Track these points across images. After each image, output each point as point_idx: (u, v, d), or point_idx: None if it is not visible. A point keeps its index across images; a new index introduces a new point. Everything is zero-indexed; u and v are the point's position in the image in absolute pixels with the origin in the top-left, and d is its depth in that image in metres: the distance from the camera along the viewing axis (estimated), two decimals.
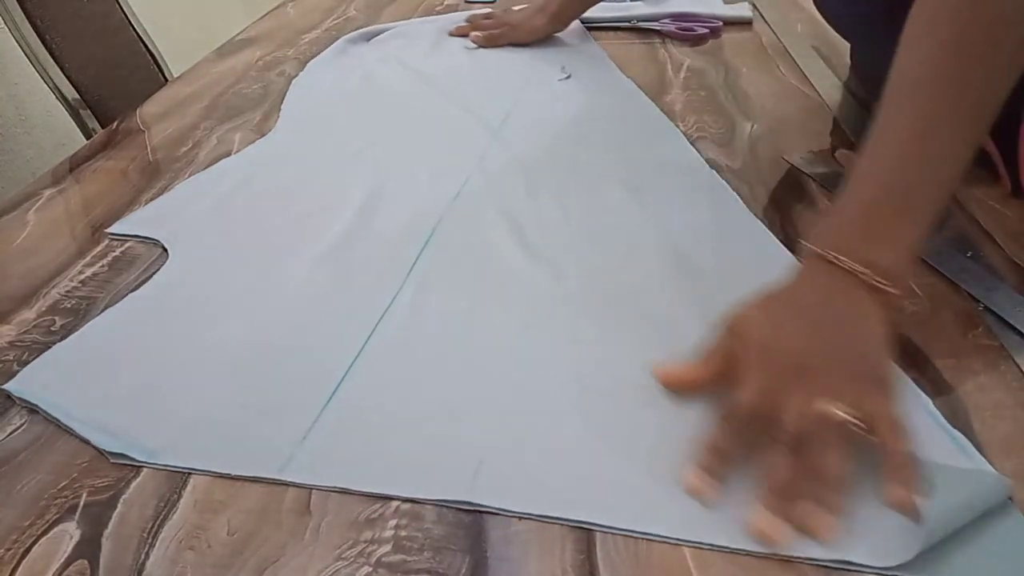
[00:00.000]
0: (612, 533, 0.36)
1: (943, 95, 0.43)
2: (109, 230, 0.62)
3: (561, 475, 0.39)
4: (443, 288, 0.53)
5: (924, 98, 0.43)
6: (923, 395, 0.42)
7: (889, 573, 0.34)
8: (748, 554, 0.35)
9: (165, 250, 0.58)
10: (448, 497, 0.38)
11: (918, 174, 0.43)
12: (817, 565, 0.34)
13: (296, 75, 0.91)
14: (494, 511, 0.37)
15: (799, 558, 0.34)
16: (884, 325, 0.41)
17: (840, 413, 0.37)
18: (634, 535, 0.36)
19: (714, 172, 0.65)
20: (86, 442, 0.42)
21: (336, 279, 0.54)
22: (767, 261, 0.52)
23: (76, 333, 0.50)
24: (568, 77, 0.88)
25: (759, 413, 0.38)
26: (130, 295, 0.53)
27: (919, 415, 0.41)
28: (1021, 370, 0.43)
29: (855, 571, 0.34)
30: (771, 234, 0.56)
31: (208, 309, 0.52)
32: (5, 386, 0.46)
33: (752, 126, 0.74)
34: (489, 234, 0.59)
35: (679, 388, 0.43)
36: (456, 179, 0.66)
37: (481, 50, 0.96)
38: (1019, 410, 0.41)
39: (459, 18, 1.04)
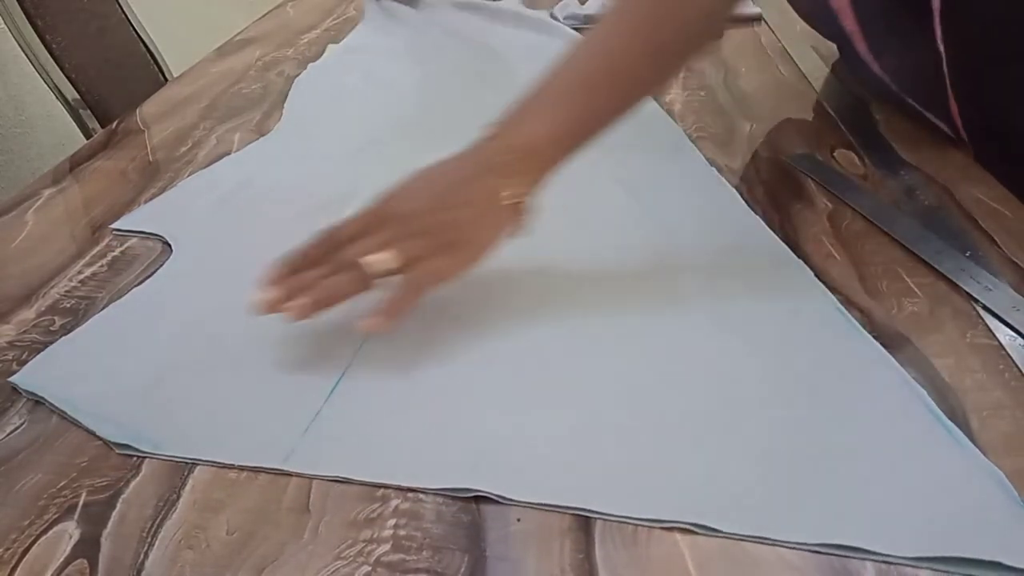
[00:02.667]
0: (608, 519, 0.36)
1: (634, 35, 0.49)
2: (114, 226, 0.62)
3: (558, 463, 0.39)
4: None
5: (617, 33, 0.50)
6: (920, 389, 0.42)
7: (890, 559, 0.34)
8: (742, 538, 0.35)
9: (168, 246, 0.59)
10: (448, 485, 0.38)
11: (597, 72, 0.49)
12: (817, 566, 0.34)
13: (297, 75, 0.91)
14: (493, 497, 0.38)
15: (791, 543, 0.35)
16: (495, 207, 0.46)
17: (370, 260, 0.45)
18: (630, 521, 0.36)
19: (713, 169, 0.66)
20: (92, 434, 0.42)
21: None
22: (762, 254, 0.54)
23: (81, 327, 0.50)
24: None
25: (337, 239, 0.46)
26: (133, 290, 0.54)
27: (916, 409, 0.41)
28: (1020, 370, 0.43)
29: (854, 559, 0.34)
30: (765, 226, 0.57)
31: (211, 303, 0.52)
32: (12, 379, 0.46)
33: (752, 126, 0.74)
34: None
35: (316, 245, 0.48)
36: None
37: (482, 46, 0.96)
38: (1018, 410, 0.41)
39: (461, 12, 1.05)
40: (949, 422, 0.40)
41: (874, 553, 0.34)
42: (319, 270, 0.46)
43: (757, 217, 0.58)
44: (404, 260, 0.45)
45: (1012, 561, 0.32)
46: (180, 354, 0.48)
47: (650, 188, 0.64)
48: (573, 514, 0.37)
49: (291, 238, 0.58)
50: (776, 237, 0.56)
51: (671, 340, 0.46)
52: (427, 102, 0.83)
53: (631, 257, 0.55)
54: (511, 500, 0.37)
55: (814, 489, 0.37)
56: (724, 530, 0.35)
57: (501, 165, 0.47)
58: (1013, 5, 0.57)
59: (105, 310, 0.52)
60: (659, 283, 0.52)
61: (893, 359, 0.44)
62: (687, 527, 0.36)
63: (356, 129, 0.77)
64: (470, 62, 0.92)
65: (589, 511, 0.37)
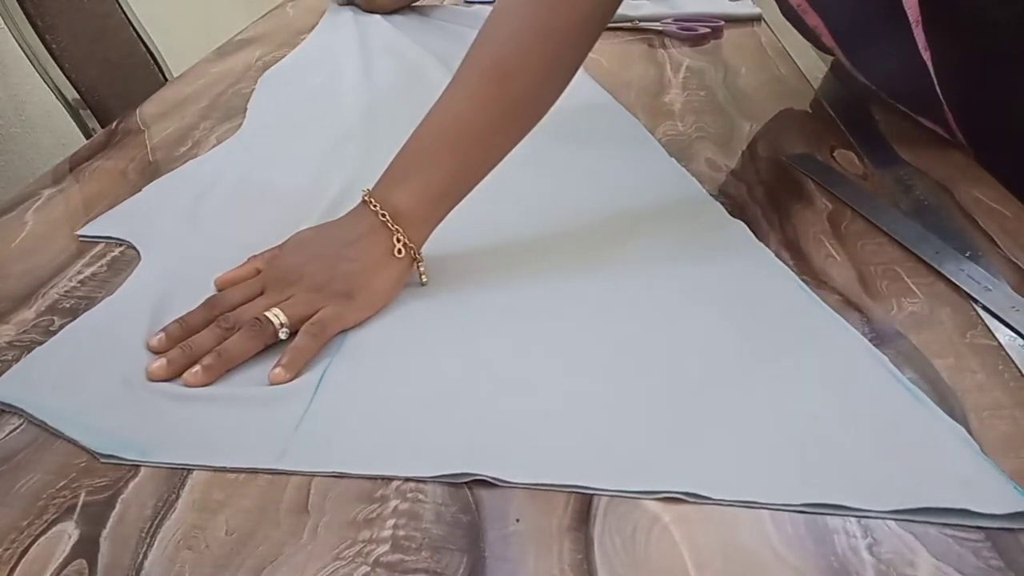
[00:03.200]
0: (604, 495, 0.37)
1: (482, 97, 0.53)
2: (79, 232, 0.61)
3: (548, 443, 0.40)
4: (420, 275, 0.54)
5: (466, 96, 0.53)
6: (879, 352, 0.45)
7: (868, 513, 0.36)
8: (730, 504, 0.37)
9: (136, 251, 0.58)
10: (444, 472, 0.38)
11: (443, 142, 0.53)
12: (817, 565, 0.34)
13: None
14: (489, 479, 0.38)
15: (775, 506, 0.36)
16: (383, 254, 0.50)
17: (272, 318, 0.47)
18: (626, 495, 0.37)
19: (673, 160, 0.68)
20: (76, 444, 0.42)
21: None
22: (725, 234, 0.58)
23: (53, 337, 0.49)
24: None
25: (224, 303, 0.49)
26: (105, 298, 0.53)
27: (879, 373, 0.44)
28: (1019, 370, 0.43)
29: (851, 559, 0.34)
30: (723, 209, 0.60)
31: (183, 307, 0.51)
32: None
33: (751, 126, 0.74)
34: (462, 222, 0.60)
35: (227, 284, 0.52)
36: None
37: (450, 43, 0.96)
38: (1017, 410, 0.41)
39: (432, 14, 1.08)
40: (910, 383, 0.42)
41: (853, 509, 0.36)
42: (208, 334, 0.47)
43: (716, 203, 0.61)
44: (305, 311, 0.48)
45: (978, 507, 0.35)
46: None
47: (611, 175, 0.67)
48: (571, 512, 0.37)
49: (259, 238, 0.58)
50: (729, 215, 0.59)
51: (645, 318, 0.49)
52: (392, 100, 0.83)
53: (599, 241, 0.58)
54: (506, 482, 0.38)
55: (791, 455, 0.39)
56: (712, 497, 0.37)
57: (384, 225, 0.51)
58: (995, 6, 0.57)
59: (77, 319, 0.51)
60: (629, 265, 0.55)
61: (850, 325, 0.47)
62: (678, 496, 0.37)
63: (322, 129, 0.77)
64: (434, 60, 0.92)
65: (581, 487, 0.38)
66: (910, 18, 0.59)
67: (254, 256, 0.54)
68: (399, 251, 0.50)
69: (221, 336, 0.47)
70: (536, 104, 0.54)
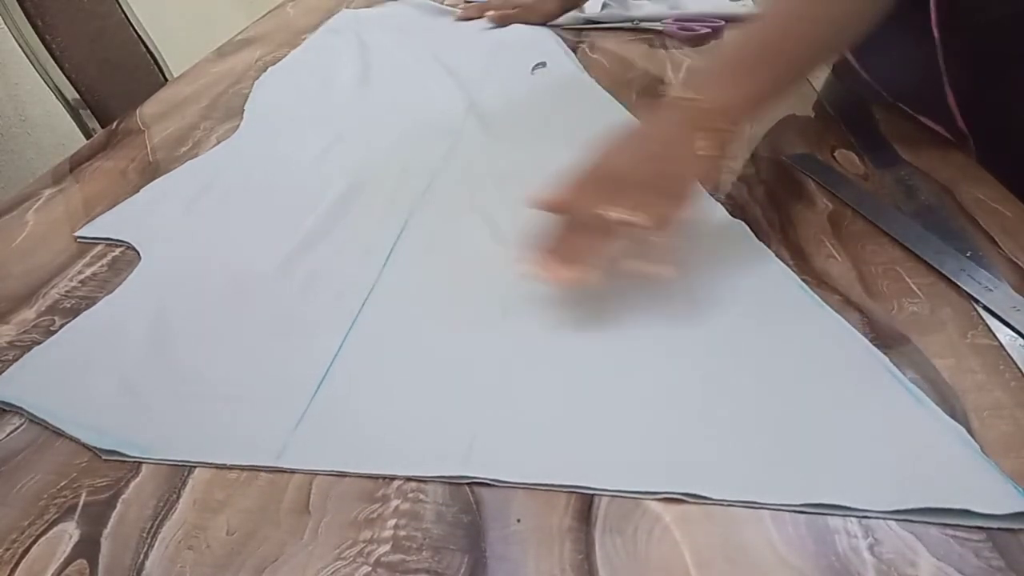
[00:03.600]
0: (605, 495, 0.37)
1: (791, 27, 0.55)
2: (77, 233, 0.61)
3: (549, 444, 0.40)
4: (420, 276, 0.54)
5: (776, 26, 0.55)
6: (880, 353, 0.45)
7: (869, 513, 0.36)
8: (730, 504, 0.37)
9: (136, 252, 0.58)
10: (443, 473, 0.39)
11: (770, 50, 0.54)
12: (817, 565, 0.34)
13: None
14: (488, 482, 0.38)
15: (776, 506, 0.36)
16: (703, 151, 0.50)
17: (613, 213, 0.48)
18: (627, 495, 0.37)
19: None
20: (77, 442, 0.42)
21: (314, 270, 0.55)
22: (726, 234, 0.58)
23: (53, 336, 0.50)
24: (544, 65, 0.88)
25: (570, 209, 0.50)
26: (105, 298, 0.53)
27: (879, 373, 0.44)
28: (1020, 370, 0.43)
29: (852, 559, 0.34)
30: (723, 208, 0.60)
31: (185, 306, 0.52)
32: None
33: (752, 126, 0.74)
34: (461, 223, 0.60)
35: (550, 210, 0.51)
36: (425, 171, 0.67)
37: (444, 46, 0.96)
38: (1018, 410, 0.41)
39: (419, 8, 1.08)
40: (911, 384, 0.42)
41: (853, 509, 0.36)
42: (577, 237, 0.50)
43: (717, 203, 0.60)
44: (643, 213, 0.49)
45: (979, 508, 0.35)
46: (158, 358, 0.47)
47: None
48: (572, 512, 0.37)
49: (258, 238, 0.58)
50: (731, 216, 0.58)
51: (645, 318, 0.49)
52: (392, 101, 0.83)
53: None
54: (506, 482, 0.38)
55: (792, 455, 0.39)
56: (713, 497, 0.37)
57: (697, 123, 0.51)
58: (1012, 4, 0.57)
59: (76, 319, 0.51)
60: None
61: (850, 326, 0.47)
62: (679, 496, 0.37)
63: (322, 130, 0.77)
64: (434, 60, 0.92)
65: (582, 487, 0.38)
66: (933, 19, 0.59)
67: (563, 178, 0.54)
68: (707, 151, 0.51)
69: (587, 238, 0.49)
70: (839, 42, 0.56)
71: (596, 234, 0.49)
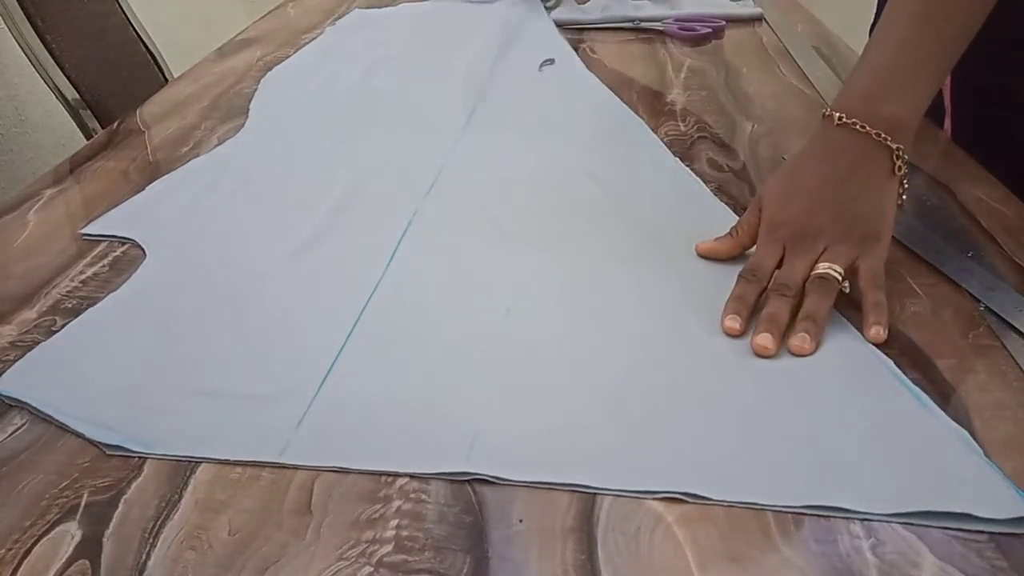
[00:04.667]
0: (607, 495, 0.37)
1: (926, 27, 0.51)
2: (82, 231, 0.61)
3: (554, 443, 0.40)
4: (424, 274, 0.54)
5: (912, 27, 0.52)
6: (884, 356, 0.45)
7: (870, 516, 0.36)
8: (731, 505, 0.36)
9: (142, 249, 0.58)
10: (445, 469, 0.39)
11: (917, 52, 0.51)
12: (817, 565, 0.34)
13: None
14: (490, 479, 0.38)
15: (778, 507, 0.36)
16: (884, 177, 0.49)
17: (831, 272, 0.47)
18: (629, 495, 0.37)
19: (678, 160, 0.68)
20: (82, 437, 0.42)
21: (319, 268, 0.55)
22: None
23: (59, 332, 0.50)
24: (552, 62, 0.88)
25: (766, 273, 0.49)
26: (111, 295, 0.53)
27: (883, 376, 0.44)
28: (1022, 370, 0.43)
29: (855, 559, 0.34)
30: (727, 209, 0.60)
31: (191, 303, 0.52)
32: None
33: (752, 126, 0.74)
34: (466, 221, 0.61)
35: (718, 258, 0.53)
36: (430, 169, 0.68)
37: (452, 45, 0.96)
38: (1020, 410, 0.41)
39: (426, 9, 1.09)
40: (914, 387, 0.42)
41: (855, 512, 0.36)
42: (779, 302, 0.47)
43: (721, 203, 0.61)
44: (847, 262, 0.48)
45: (981, 512, 0.35)
46: (163, 354, 0.48)
47: (615, 174, 0.67)
48: (575, 512, 0.37)
49: (262, 235, 0.58)
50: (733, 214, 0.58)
51: (649, 318, 0.49)
52: (396, 101, 0.83)
53: (603, 241, 0.58)
54: (508, 480, 0.38)
55: (794, 456, 0.39)
56: (714, 498, 0.37)
57: (880, 144, 0.49)
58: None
59: (82, 315, 0.51)
60: (633, 264, 0.55)
61: (852, 326, 0.47)
62: (682, 497, 0.37)
63: (326, 129, 0.77)
64: (438, 60, 0.92)
65: (583, 486, 0.38)
66: None
67: (735, 226, 0.54)
68: (899, 168, 0.50)
69: (789, 302, 0.47)
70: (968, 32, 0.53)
71: (818, 298, 0.47)
